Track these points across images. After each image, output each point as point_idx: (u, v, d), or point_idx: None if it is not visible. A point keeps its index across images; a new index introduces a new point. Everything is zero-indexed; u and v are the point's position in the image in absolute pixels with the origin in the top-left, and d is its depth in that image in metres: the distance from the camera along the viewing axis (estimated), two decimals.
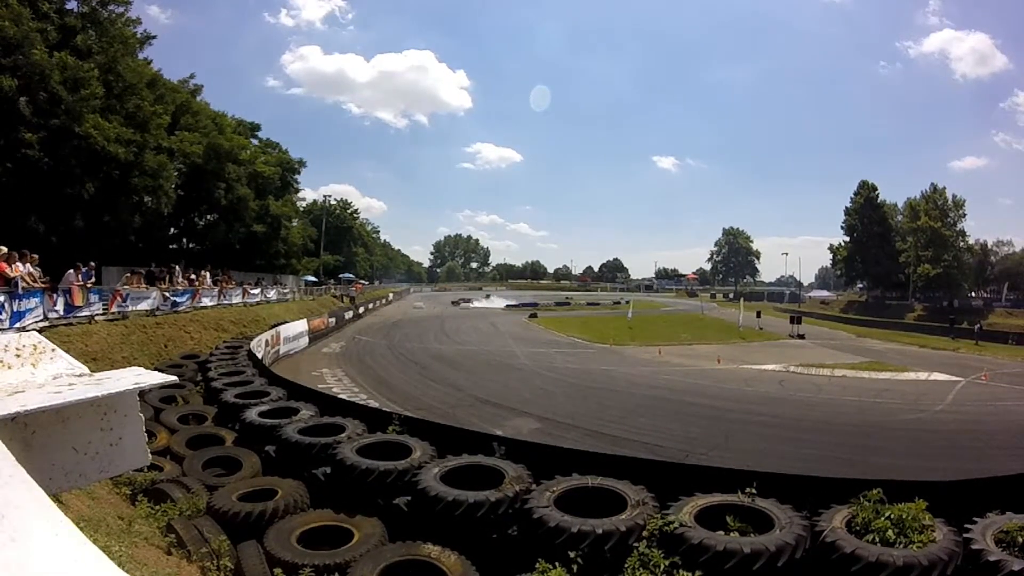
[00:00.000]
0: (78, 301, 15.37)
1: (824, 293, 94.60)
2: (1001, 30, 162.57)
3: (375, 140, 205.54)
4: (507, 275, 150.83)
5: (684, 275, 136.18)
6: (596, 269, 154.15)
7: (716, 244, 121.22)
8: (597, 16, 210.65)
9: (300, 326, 29.56)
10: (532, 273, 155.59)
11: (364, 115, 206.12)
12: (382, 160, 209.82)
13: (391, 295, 79.62)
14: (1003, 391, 22.74)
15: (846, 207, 75.41)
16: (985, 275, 71.10)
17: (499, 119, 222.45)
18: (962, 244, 64.34)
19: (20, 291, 12.82)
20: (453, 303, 75.00)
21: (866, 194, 73.01)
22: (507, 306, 72.54)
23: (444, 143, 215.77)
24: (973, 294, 68.02)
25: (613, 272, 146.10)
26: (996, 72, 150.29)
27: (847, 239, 76.32)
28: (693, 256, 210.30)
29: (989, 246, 71.81)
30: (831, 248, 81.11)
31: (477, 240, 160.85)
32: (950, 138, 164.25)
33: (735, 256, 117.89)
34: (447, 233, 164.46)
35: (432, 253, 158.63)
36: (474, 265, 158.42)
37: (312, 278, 55.36)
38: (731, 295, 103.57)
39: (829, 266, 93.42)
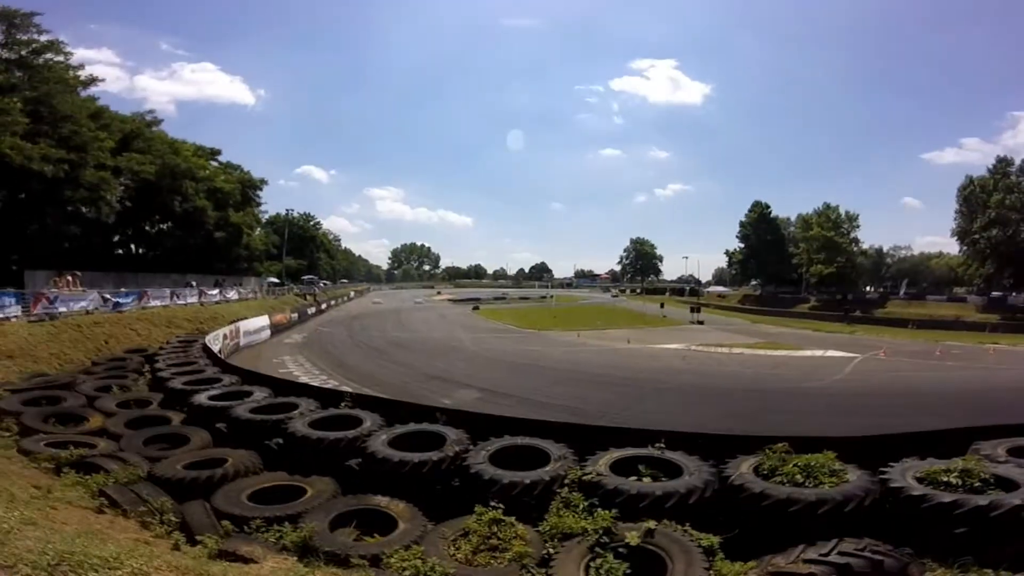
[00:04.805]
0: None
1: (721, 288, 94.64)
2: None
3: None
4: (454, 276, 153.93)
5: (598, 275, 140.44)
6: (526, 271, 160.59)
7: (625, 251, 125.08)
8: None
9: (262, 321, 28.12)
10: (475, 274, 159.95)
11: None
12: None
13: (352, 293, 77.65)
14: (902, 364, 22.38)
15: (741, 221, 78.22)
16: (881, 273, 74.15)
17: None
18: (856, 249, 65.77)
19: None
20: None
21: (759, 211, 76.15)
22: (453, 300, 71.98)
23: None
24: (870, 288, 69.58)
25: (540, 273, 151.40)
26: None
27: (742, 245, 79.07)
28: (607, 258, 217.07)
29: (885, 250, 75.10)
30: (727, 252, 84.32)
31: (429, 247, 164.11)
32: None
33: (641, 259, 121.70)
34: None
35: (390, 258, 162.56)
36: (426, 268, 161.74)
37: (275, 279, 53.65)
38: (638, 290, 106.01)
39: (725, 267, 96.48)
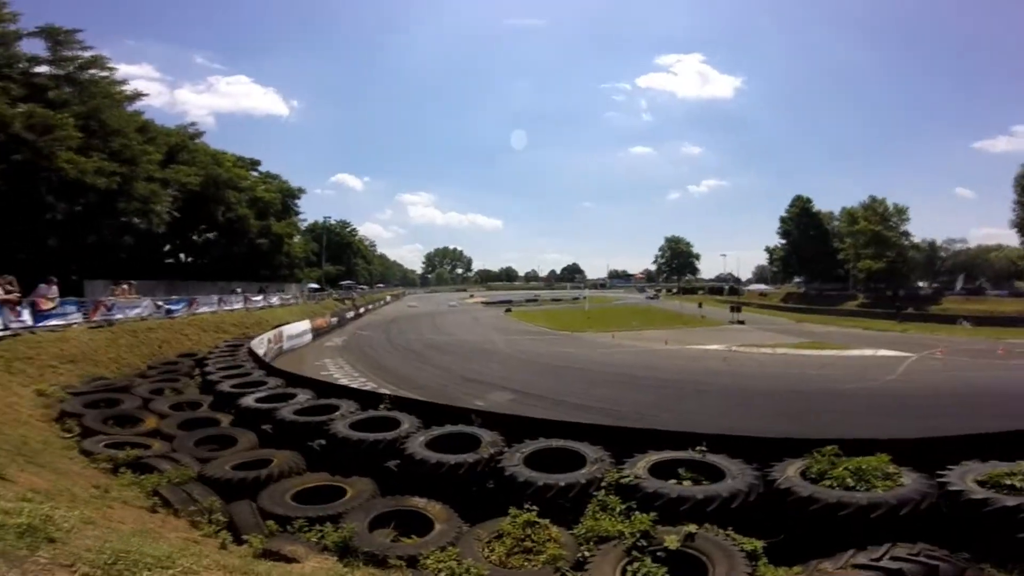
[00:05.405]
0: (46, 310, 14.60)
1: (762, 286, 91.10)
2: None
3: None
4: (486, 278, 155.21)
5: (633, 275, 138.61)
6: (558, 272, 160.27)
7: (660, 249, 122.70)
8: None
9: (303, 325, 28.90)
10: (506, 276, 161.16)
11: None
12: None
13: (388, 297, 79.38)
14: (962, 364, 20.75)
15: (781, 216, 75.48)
16: (935, 268, 69.83)
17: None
18: (906, 243, 62.06)
19: None
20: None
21: (800, 205, 73.43)
22: (486, 303, 72.29)
23: None
24: (923, 284, 65.30)
25: (572, 274, 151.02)
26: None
27: (784, 241, 76.34)
28: (642, 258, 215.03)
29: (938, 243, 70.66)
30: (768, 249, 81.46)
31: (461, 251, 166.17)
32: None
33: (677, 258, 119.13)
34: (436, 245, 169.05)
35: (424, 263, 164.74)
36: (459, 271, 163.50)
37: (315, 285, 55.24)
38: (675, 289, 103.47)
39: (766, 263, 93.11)
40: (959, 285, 60.12)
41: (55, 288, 15.59)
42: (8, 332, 12.64)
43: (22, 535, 2.72)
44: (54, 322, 14.63)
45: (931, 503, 4.36)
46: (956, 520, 4.22)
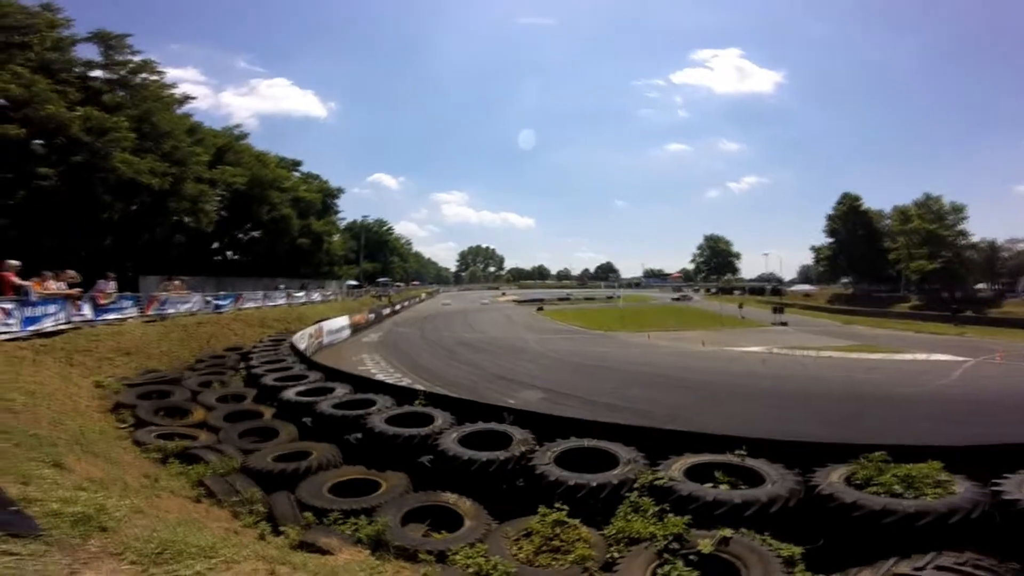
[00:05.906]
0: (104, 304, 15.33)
1: (807, 286, 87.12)
2: None
3: None
4: (518, 277, 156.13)
5: (669, 274, 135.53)
6: (591, 271, 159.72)
7: (698, 248, 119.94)
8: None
9: (342, 321, 29.63)
10: (539, 275, 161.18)
11: None
12: None
13: (424, 295, 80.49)
14: (1023, 369, 19.32)
15: (828, 214, 72.34)
16: (995, 269, 65.75)
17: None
18: (964, 242, 57.64)
19: (34, 299, 12.33)
20: None
21: (849, 203, 70.28)
22: (518, 301, 72.39)
23: None
24: (982, 286, 61.09)
25: (606, 273, 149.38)
26: None
27: (831, 240, 73.16)
28: (678, 257, 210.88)
29: (999, 243, 66.29)
30: (814, 248, 78.15)
31: (494, 249, 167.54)
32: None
33: (716, 257, 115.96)
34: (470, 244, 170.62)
35: (457, 261, 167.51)
36: (491, 269, 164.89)
37: (354, 282, 56.55)
38: (713, 289, 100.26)
39: (811, 263, 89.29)
40: (1021, 287, 56.22)
41: (113, 284, 16.46)
42: (70, 325, 13.40)
43: (76, 524, 2.89)
44: (111, 316, 15.42)
45: (983, 512, 4.14)
46: (1011, 530, 4.00)
